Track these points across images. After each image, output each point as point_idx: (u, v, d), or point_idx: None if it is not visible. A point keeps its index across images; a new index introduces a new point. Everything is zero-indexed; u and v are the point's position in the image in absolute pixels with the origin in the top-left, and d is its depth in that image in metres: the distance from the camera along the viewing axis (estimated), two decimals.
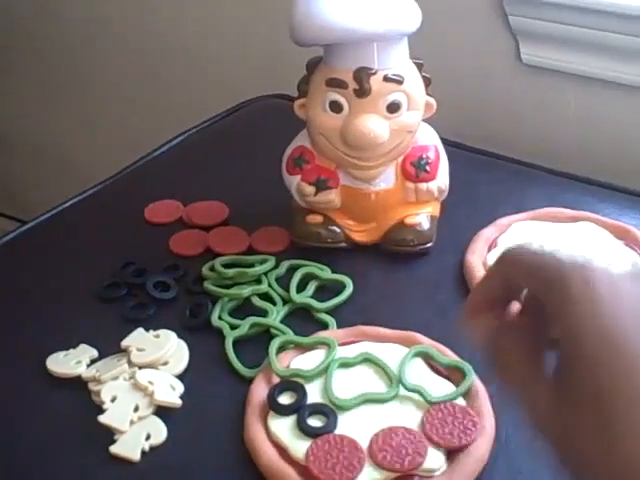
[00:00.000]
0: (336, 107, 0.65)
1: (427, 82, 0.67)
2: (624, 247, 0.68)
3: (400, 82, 0.64)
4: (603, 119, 0.91)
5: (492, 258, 0.67)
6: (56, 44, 1.36)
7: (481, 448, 0.51)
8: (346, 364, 0.57)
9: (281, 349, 0.59)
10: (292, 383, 0.56)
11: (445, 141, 0.72)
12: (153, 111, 1.28)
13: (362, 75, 0.63)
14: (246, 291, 0.65)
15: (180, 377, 0.59)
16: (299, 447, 0.51)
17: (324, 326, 0.63)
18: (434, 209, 0.71)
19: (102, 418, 0.55)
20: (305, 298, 0.65)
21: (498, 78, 0.95)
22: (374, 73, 0.63)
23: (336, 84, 0.64)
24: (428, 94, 0.68)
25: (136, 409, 0.56)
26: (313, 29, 0.63)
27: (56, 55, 1.37)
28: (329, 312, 0.64)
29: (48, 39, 1.36)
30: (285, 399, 0.54)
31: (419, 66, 0.67)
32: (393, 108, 0.65)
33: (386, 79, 0.64)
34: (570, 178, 0.81)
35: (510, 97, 0.95)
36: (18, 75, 1.44)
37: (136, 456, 0.53)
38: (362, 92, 0.63)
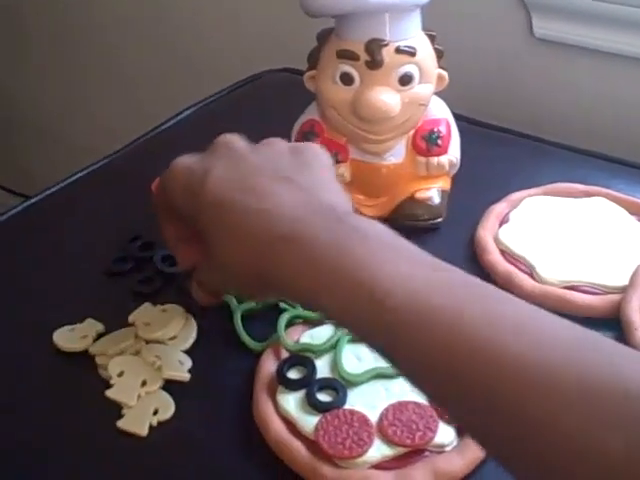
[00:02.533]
0: (347, 79, 0.64)
1: (439, 54, 0.66)
2: (638, 222, 0.68)
3: (412, 54, 0.63)
4: (617, 94, 0.90)
5: (504, 233, 0.66)
6: (59, 21, 1.35)
7: None
8: (356, 339, 0.56)
9: (290, 324, 0.59)
10: (301, 358, 0.55)
11: (457, 116, 0.71)
12: (160, 86, 1.28)
13: (374, 46, 0.62)
14: None
15: (188, 352, 0.58)
16: (308, 422, 0.51)
17: None
18: (445, 184, 0.70)
19: (109, 393, 0.54)
20: None
21: (510, 52, 0.94)
22: (386, 44, 0.62)
23: (347, 56, 0.63)
24: (440, 66, 0.67)
25: (143, 384, 0.55)
26: None
27: (60, 33, 1.36)
28: None
29: (49, 16, 1.35)
30: (294, 374, 0.54)
31: (432, 38, 0.66)
32: (405, 80, 0.64)
33: (398, 51, 0.63)
34: (583, 153, 0.80)
35: (522, 71, 0.94)
36: (22, 50, 1.43)
37: (144, 431, 0.53)
38: (374, 64, 0.62)
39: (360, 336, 0.42)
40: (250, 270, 0.45)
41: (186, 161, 0.51)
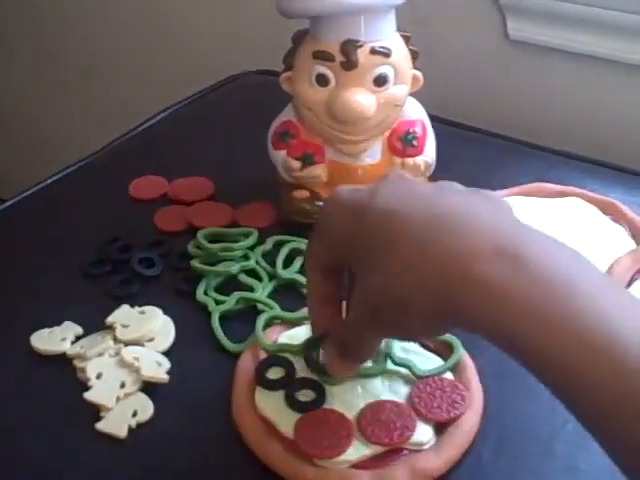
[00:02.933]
0: (322, 80, 0.64)
1: (414, 55, 0.67)
2: (612, 222, 0.68)
3: (387, 55, 0.64)
4: (590, 95, 0.90)
5: None
6: (37, 17, 1.34)
7: (470, 421, 0.51)
8: None
9: (268, 325, 0.59)
10: (280, 358, 0.55)
11: (432, 117, 0.71)
12: (137, 87, 1.27)
13: (349, 47, 0.62)
14: (234, 268, 0.64)
15: (166, 353, 0.58)
16: (287, 422, 0.51)
17: None
18: None
19: (88, 395, 0.54)
20: (292, 273, 0.64)
21: (485, 54, 0.95)
22: (361, 45, 0.63)
23: (323, 57, 0.63)
24: (415, 67, 0.67)
25: (122, 386, 0.55)
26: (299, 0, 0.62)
27: (39, 33, 1.35)
28: None
29: (29, 13, 1.34)
30: (273, 374, 0.54)
31: (406, 39, 0.66)
32: (380, 81, 0.64)
33: (373, 52, 0.63)
34: (556, 154, 0.81)
35: (497, 73, 0.95)
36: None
37: (123, 433, 0.53)
38: (349, 65, 0.62)
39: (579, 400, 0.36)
40: (434, 299, 0.39)
41: (347, 187, 0.46)
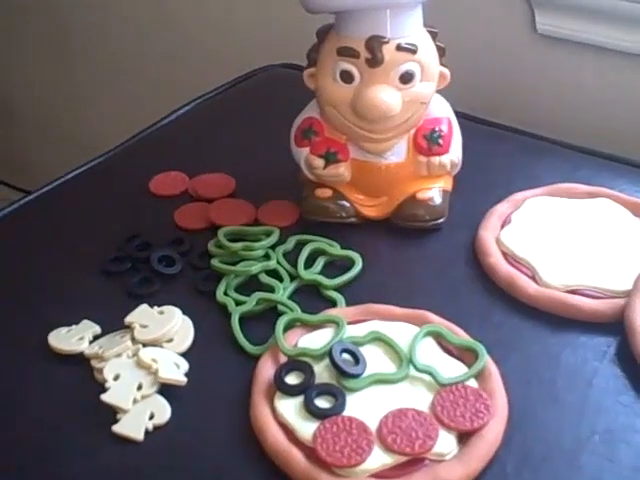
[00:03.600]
0: (347, 77, 0.63)
1: (441, 52, 0.65)
2: None
3: (414, 51, 0.62)
4: (620, 91, 0.89)
5: (505, 235, 0.65)
6: (59, 16, 1.34)
7: (493, 431, 0.50)
8: (355, 343, 0.55)
9: (288, 327, 0.58)
10: (299, 363, 0.54)
11: (458, 114, 0.70)
12: (159, 81, 1.27)
13: (374, 44, 0.61)
14: (255, 267, 0.63)
15: (185, 355, 0.57)
16: (306, 428, 0.50)
17: (333, 304, 0.61)
18: (446, 183, 0.69)
19: (105, 397, 0.54)
20: (313, 274, 0.63)
21: (513, 49, 0.93)
22: (387, 42, 0.61)
23: (347, 53, 0.62)
24: (442, 64, 0.66)
25: (139, 387, 0.54)
26: None
27: (59, 26, 1.35)
28: (338, 289, 0.62)
29: (50, 11, 1.34)
30: (292, 379, 0.53)
31: (433, 35, 0.65)
32: (406, 78, 0.63)
33: (399, 48, 0.62)
34: (586, 153, 0.79)
35: (525, 68, 0.93)
36: (23, 45, 1.42)
37: (140, 435, 0.52)
38: (374, 61, 0.61)
39: None
40: None
41: None
